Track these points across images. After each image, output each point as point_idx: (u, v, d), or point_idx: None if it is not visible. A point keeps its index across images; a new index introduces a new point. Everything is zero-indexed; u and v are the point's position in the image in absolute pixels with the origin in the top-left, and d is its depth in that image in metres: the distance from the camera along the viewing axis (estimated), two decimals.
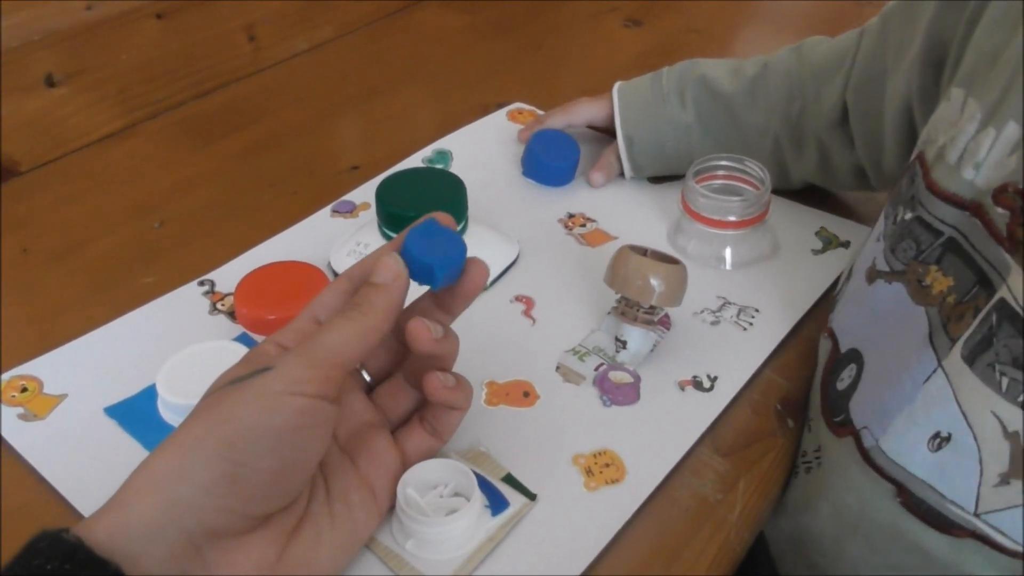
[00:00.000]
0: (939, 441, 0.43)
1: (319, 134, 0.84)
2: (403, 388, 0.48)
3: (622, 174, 0.74)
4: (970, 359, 0.41)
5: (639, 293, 0.54)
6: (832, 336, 0.53)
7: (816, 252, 0.66)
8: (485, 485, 0.47)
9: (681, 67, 0.72)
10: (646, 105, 0.72)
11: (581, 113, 0.76)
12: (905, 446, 0.44)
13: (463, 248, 0.44)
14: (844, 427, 0.49)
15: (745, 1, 1.10)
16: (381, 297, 0.41)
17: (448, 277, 0.43)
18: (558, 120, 0.76)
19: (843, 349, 0.51)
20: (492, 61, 0.97)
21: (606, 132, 0.78)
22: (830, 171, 0.69)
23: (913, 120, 0.58)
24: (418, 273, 0.43)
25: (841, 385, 0.50)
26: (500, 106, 0.85)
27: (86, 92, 0.80)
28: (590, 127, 0.79)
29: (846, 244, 0.67)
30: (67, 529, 0.34)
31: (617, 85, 0.74)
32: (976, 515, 0.42)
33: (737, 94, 0.69)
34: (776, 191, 0.68)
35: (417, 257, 0.42)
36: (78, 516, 0.47)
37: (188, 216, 0.72)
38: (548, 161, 0.73)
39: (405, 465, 0.47)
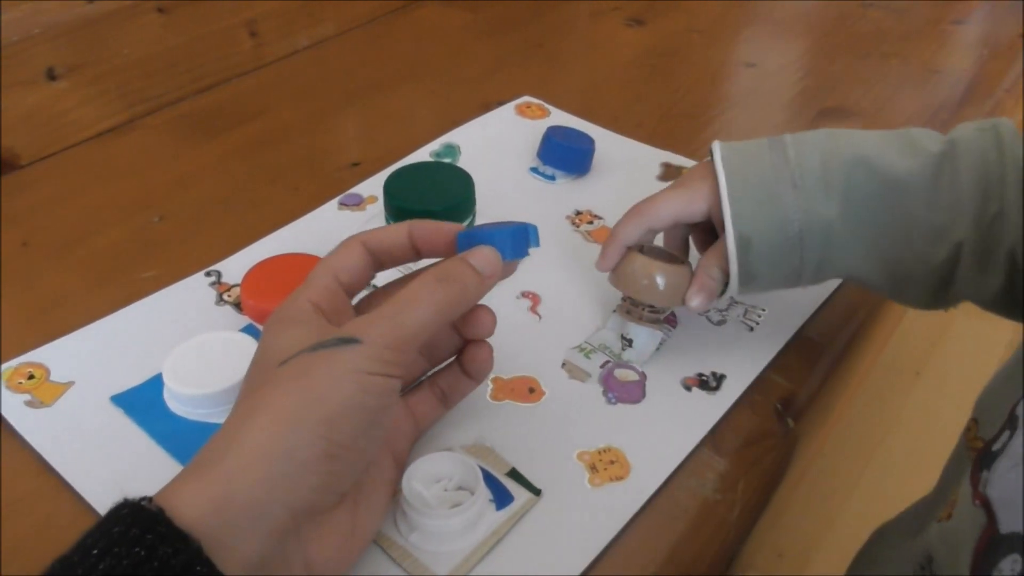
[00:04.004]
0: None
1: (320, 130, 0.83)
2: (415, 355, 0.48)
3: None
4: None
5: (644, 293, 0.53)
6: (987, 507, 0.40)
7: None
8: (490, 479, 0.47)
9: (815, 138, 0.52)
10: (767, 189, 0.51)
11: (663, 208, 0.54)
12: None
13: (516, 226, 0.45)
14: None
15: (748, 1, 1.10)
16: (476, 284, 0.41)
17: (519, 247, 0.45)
18: (631, 228, 0.55)
19: (1003, 530, 0.39)
20: (493, 59, 0.96)
21: (701, 233, 0.58)
22: (1013, 299, 0.50)
23: None
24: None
25: None
26: (502, 104, 0.85)
27: (87, 86, 0.80)
28: (681, 229, 0.59)
29: None
30: (148, 498, 0.33)
31: (719, 152, 0.53)
32: None
33: (915, 177, 0.50)
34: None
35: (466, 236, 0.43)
36: (83, 504, 0.47)
37: (188, 211, 0.72)
38: (569, 144, 0.73)
39: (418, 431, 0.48)
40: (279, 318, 0.41)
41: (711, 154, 0.54)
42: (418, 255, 0.45)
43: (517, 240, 0.44)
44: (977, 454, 0.43)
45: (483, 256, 0.42)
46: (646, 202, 0.55)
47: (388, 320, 0.39)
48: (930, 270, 0.51)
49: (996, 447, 0.41)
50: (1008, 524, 0.39)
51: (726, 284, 0.54)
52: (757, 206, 0.51)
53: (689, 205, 0.54)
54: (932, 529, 0.46)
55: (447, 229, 0.44)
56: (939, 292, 0.52)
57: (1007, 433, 0.41)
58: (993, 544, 0.39)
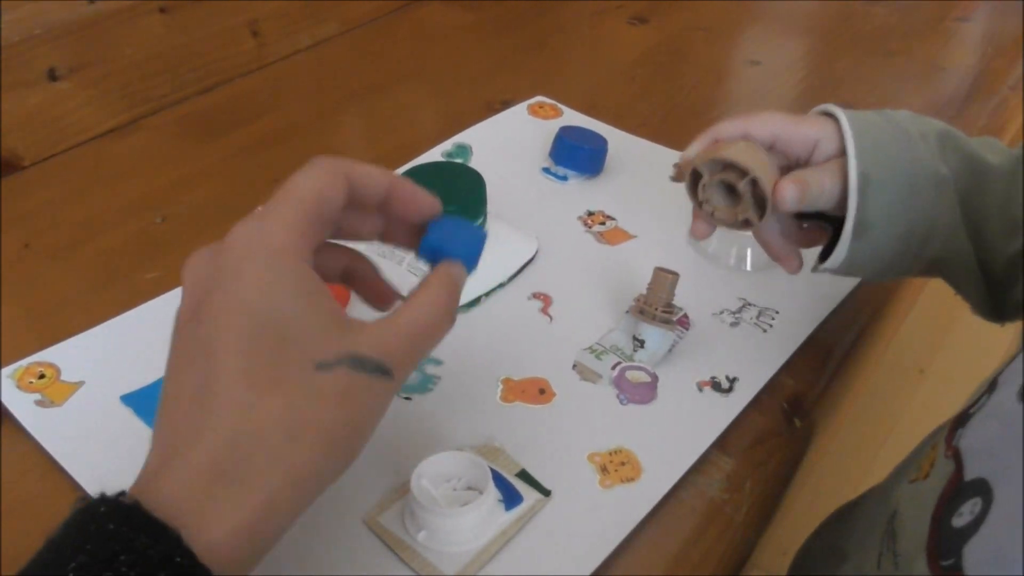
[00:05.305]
0: None
1: (322, 130, 0.83)
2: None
3: (820, 217, 0.53)
4: None
5: (741, 154, 0.50)
6: (956, 457, 0.42)
7: None
8: (499, 480, 0.47)
9: (907, 112, 0.53)
10: (886, 135, 0.50)
11: (767, 118, 0.52)
12: None
13: (480, 235, 0.43)
14: (951, 574, 0.39)
15: (751, 0, 1.10)
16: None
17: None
18: (729, 124, 0.54)
19: (968, 476, 0.41)
20: (496, 59, 0.96)
21: (789, 165, 0.54)
22: None
23: None
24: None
25: (959, 522, 0.40)
26: (505, 104, 0.85)
27: (89, 87, 0.79)
28: (776, 151, 0.53)
29: None
30: (123, 492, 0.33)
31: (828, 105, 0.53)
32: None
33: (995, 167, 0.51)
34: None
35: (437, 246, 0.41)
36: None
37: (191, 212, 0.71)
38: (581, 144, 0.72)
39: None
40: (279, 272, 0.35)
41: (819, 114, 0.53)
42: (387, 210, 0.41)
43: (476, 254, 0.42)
44: (956, 418, 0.44)
45: (459, 276, 0.40)
46: (755, 113, 0.53)
47: (410, 354, 0.38)
48: (998, 267, 0.50)
49: (973, 410, 0.42)
50: (973, 470, 0.40)
51: (831, 247, 0.51)
52: (878, 149, 0.49)
53: (794, 126, 0.52)
54: (903, 489, 0.46)
55: (423, 204, 0.41)
56: (998, 295, 0.52)
57: (985, 396, 0.42)
58: (957, 491, 0.40)
